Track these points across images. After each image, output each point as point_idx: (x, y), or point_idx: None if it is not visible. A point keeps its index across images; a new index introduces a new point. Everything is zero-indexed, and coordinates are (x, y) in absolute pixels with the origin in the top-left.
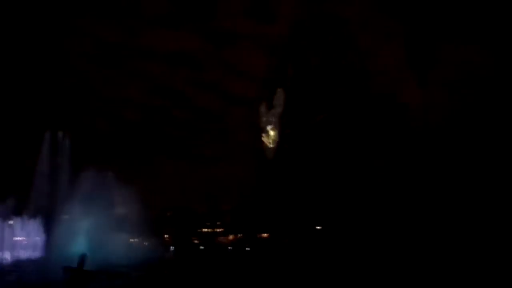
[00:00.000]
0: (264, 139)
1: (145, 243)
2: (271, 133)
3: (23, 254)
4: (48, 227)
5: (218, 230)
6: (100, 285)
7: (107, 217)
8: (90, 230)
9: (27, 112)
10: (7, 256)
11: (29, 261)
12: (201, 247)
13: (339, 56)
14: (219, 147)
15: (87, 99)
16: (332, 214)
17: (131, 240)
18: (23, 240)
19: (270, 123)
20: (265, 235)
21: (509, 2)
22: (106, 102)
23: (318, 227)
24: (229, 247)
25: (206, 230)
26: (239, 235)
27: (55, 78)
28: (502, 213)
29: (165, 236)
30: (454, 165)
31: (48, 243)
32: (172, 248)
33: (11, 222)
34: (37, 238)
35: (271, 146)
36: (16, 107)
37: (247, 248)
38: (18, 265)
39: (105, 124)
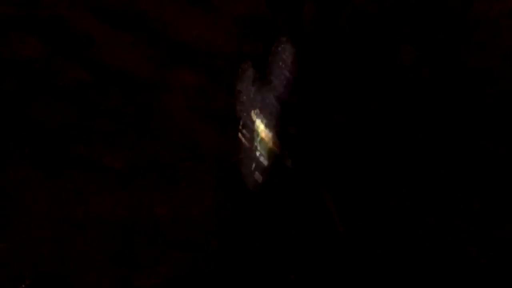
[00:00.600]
0: (244, 140)
1: None
2: (260, 128)
3: None
4: None
5: None
6: None
7: None
8: None
9: None
10: None
11: None
12: None
13: None
14: (143, 150)
15: None
16: None
17: None
18: None
19: (255, 107)
20: None
21: None
22: None
23: None
24: None
25: None
26: None
27: None
28: None
29: None
30: None
31: None
32: None
33: None
34: None
35: (258, 155)
36: None
37: None
38: None
39: None
